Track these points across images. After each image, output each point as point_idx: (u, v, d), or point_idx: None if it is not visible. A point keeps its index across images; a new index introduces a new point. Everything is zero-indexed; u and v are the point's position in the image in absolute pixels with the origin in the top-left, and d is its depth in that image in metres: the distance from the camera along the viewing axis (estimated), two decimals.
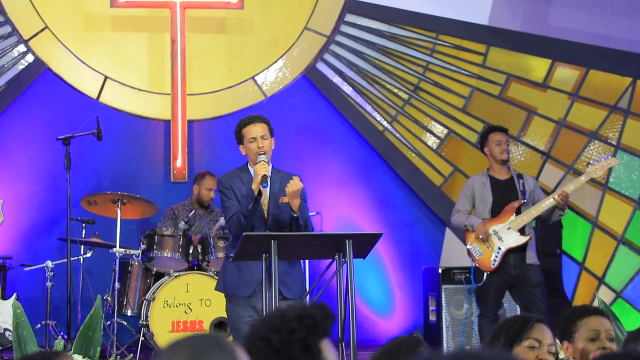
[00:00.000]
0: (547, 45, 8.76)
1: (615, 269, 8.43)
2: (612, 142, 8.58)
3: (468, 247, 7.02)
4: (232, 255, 5.28)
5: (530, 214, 6.91)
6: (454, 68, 8.83)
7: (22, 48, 8.52)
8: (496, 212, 7.00)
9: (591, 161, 7.16)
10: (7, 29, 8.50)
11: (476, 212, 7.09)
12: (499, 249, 6.89)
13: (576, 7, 8.82)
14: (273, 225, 5.31)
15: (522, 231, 6.93)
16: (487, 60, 8.81)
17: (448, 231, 8.67)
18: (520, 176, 7.14)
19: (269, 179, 5.20)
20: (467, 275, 7.45)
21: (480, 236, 6.91)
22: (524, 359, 3.19)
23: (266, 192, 5.30)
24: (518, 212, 6.96)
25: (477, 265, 6.95)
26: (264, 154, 5.28)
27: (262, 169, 5.17)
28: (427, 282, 7.89)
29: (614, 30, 8.76)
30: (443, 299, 7.55)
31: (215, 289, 5.53)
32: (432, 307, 7.71)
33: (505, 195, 7.02)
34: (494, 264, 6.88)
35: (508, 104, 8.77)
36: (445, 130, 8.80)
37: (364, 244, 5.23)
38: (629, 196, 8.52)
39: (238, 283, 5.27)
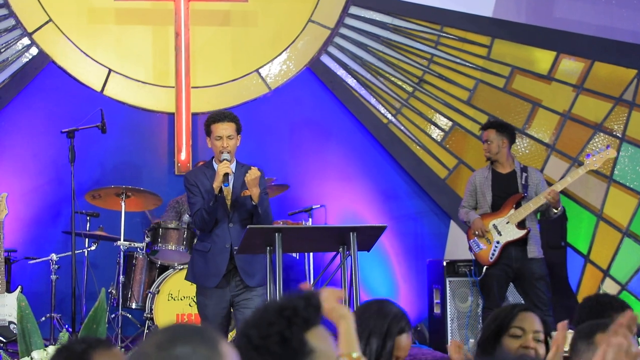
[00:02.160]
0: (552, 37, 8.73)
1: (620, 261, 8.42)
2: (617, 135, 8.56)
3: (469, 241, 7.05)
4: (198, 248, 5.59)
5: (528, 208, 6.91)
6: (458, 60, 8.80)
7: (26, 41, 8.51)
8: (497, 206, 7.01)
9: (592, 152, 7.14)
10: (11, 21, 8.49)
11: (478, 207, 7.11)
12: (498, 242, 6.91)
13: None
14: (235, 219, 5.52)
15: (521, 225, 6.92)
16: (491, 53, 8.79)
17: (452, 224, 8.66)
18: (524, 169, 7.11)
19: (230, 178, 5.46)
20: (471, 268, 7.45)
21: (477, 232, 6.94)
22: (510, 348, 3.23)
23: (229, 188, 5.53)
24: (518, 205, 6.96)
25: (477, 259, 6.99)
26: (229, 152, 5.49)
27: (223, 168, 5.38)
28: (431, 274, 7.88)
29: (619, 22, 8.73)
30: (448, 291, 7.54)
31: (185, 278, 5.81)
32: (436, 300, 7.70)
33: (506, 188, 7.02)
34: (492, 258, 6.91)
35: (513, 97, 8.75)
36: (450, 123, 8.78)
37: (368, 237, 5.24)
38: (634, 188, 8.50)
39: (205, 274, 5.50)
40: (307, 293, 2.18)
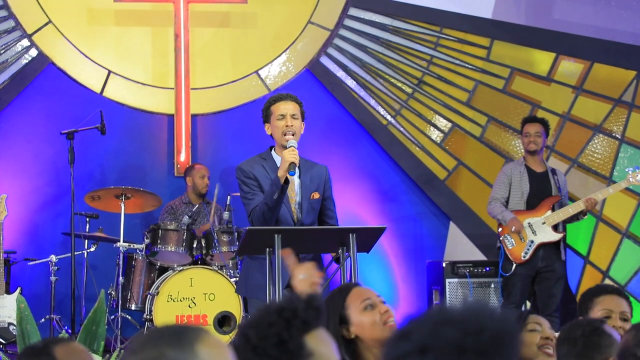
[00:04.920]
0: (552, 38, 8.73)
1: (619, 262, 8.42)
2: (617, 136, 8.56)
3: (501, 237, 7.06)
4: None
5: (566, 212, 6.99)
6: (458, 62, 8.81)
7: (25, 42, 8.51)
8: (531, 203, 7.05)
9: (633, 168, 7.23)
10: (11, 23, 8.49)
11: (510, 200, 7.12)
12: (532, 242, 6.95)
13: (580, 1, 8.80)
14: (302, 223, 4.96)
15: (555, 227, 6.98)
16: (491, 54, 8.79)
17: (452, 225, 8.66)
18: (554, 171, 7.21)
19: (297, 168, 4.74)
20: (471, 268, 7.46)
21: (514, 228, 6.95)
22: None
23: (294, 182, 4.90)
24: (553, 208, 7.03)
25: (509, 255, 7.00)
26: (293, 135, 4.87)
27: (290, 155, 4.67)
28: (431, 276, 7.88)
29: (618, 24, 8.73)
30: (447, 292, 7.54)
31: (236, 291, 5.28)
32: (436, 301, 7.71)
33: (542, 188, 7.09)
34: (525, 256, 6.95)
35: (512, 98, 8.75)
36: (449, 124, 8.78)
37: (367, 238, 5.21)
38: (633, 190, 8.50)
39: (266, 286, 4.88)
40: (309, 295, 2.15)
